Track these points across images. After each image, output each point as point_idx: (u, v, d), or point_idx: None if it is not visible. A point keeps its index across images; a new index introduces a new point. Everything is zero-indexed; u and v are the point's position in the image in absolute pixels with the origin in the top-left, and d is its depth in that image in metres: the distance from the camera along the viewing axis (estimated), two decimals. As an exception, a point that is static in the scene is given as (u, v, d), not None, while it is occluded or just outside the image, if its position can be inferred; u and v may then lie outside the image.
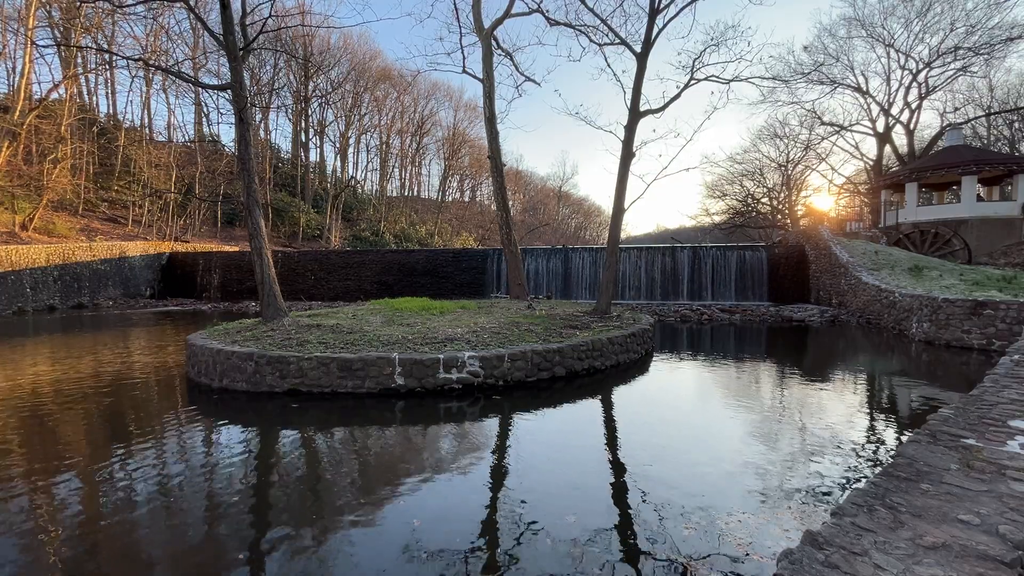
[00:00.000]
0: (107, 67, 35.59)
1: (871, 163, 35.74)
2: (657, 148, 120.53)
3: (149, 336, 14.37)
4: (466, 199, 71.22)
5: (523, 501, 4.27)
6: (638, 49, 12.61)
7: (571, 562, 3.35)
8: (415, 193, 65.56)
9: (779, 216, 43.78)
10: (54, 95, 28.10)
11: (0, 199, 23.33)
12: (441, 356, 7.68)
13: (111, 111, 38.02)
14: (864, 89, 33.98)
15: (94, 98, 37.27)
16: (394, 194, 60.15)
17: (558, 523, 3.87)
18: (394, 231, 48.49)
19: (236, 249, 29.45)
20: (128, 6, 17.32)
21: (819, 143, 38.68)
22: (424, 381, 7.56)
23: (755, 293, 22.09)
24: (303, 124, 47.63)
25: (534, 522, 3.90)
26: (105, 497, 4.38)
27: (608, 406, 7.55)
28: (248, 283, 24.61)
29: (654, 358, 10.85)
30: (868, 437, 5.90)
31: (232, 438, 6.01)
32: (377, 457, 5.43)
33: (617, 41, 13.54)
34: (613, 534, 3.73)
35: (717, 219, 47.70)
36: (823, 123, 36.53)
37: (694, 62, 13.07)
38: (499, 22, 16.66)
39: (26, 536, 3.73)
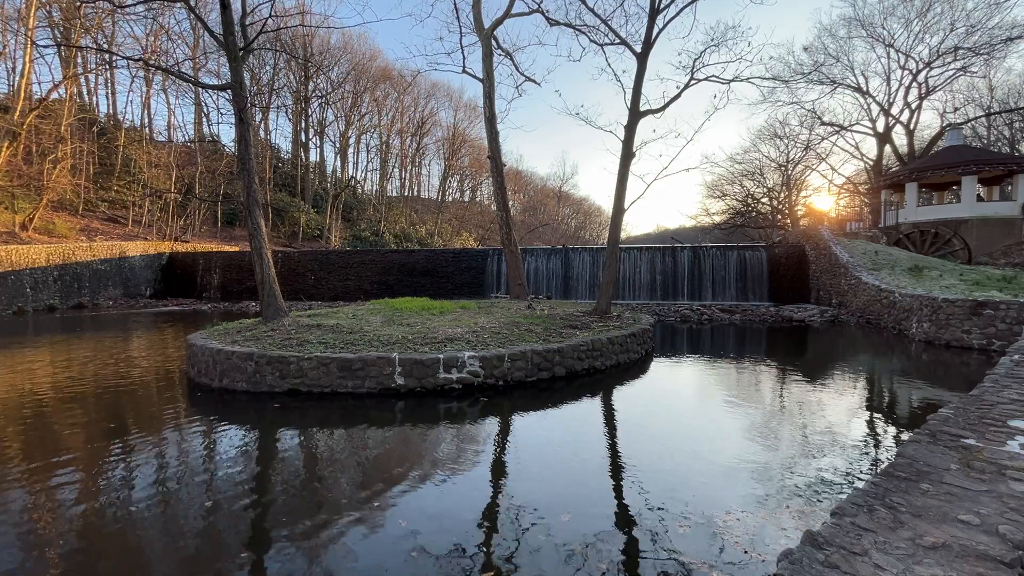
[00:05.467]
0: (107, 67, 35.60)
1: (871, 163, 35.74)
2: (657, 148, 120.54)
3: (149, 336, 14.37)
4: (466, 199, 71.19)
5: (523, 501, 4.27)
6: (638, 49, 12.61)
7: (570, 561, 3.35)
8: (415, 193, 65.57)
9: (779, 216, 43.77)
10: (54, 95, 28.10)
11: (0, 199, 23.33)
12: (441, 356, 7.68)
13: (111, 111, 38.07)
14: (864, 89, 34.00)
15: (94, 98, 37.34)
16: (394, 194, 60.14)
17: (557, 522, 3.87)
18: (394, 231, 48.49)
19: (236, 249, 29.45)
20: (128, 6, 17.32)
21: (819, 143, 38.70)
22: (424, 381, 7.56)
23: (755, 293, 22.09)
24: (303, 124, 47.64)
25: (533, 521, 3.89)
26: (105, 496, 4.38)
27: (608, 406, 7.55)
28: (248, 283, 24.61)
29: (654, 358, 10.85)
30: (868, 437, 5.90)
31: (232, 438, 6.01)
32: (377, 457, 5.43)
33: (617, 41, 13.54)
34: (612, 533, 3.73)
35: (717, 219, 47.68)
36: (823, 123, 36.53)
37: (694, 62, 13.08)
38: (499, 22, 16.66)
39: (26, 535, 3.73)
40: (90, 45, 28.49)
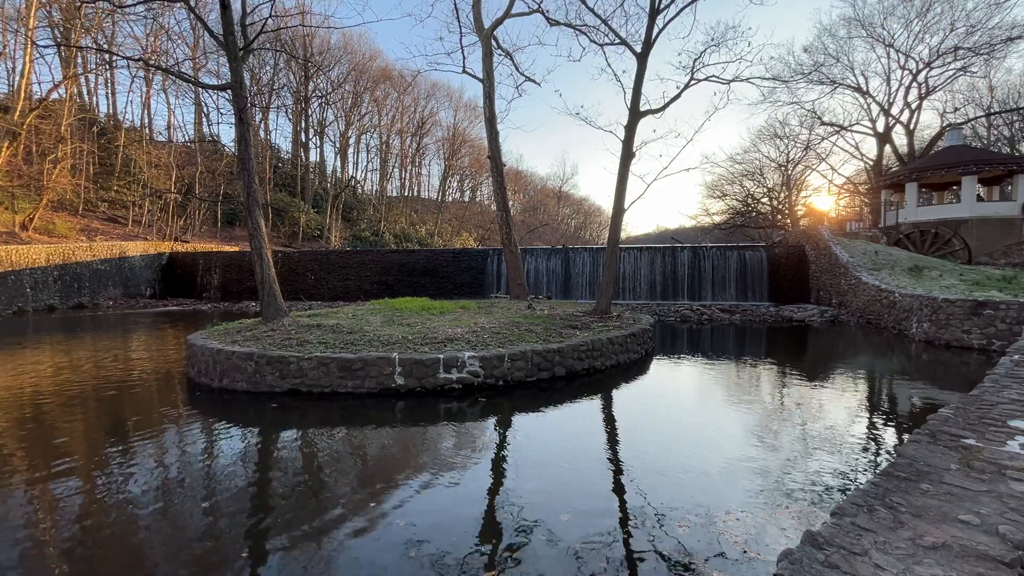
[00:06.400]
0: (107, 67, 35.60)
1: (871, 163, 35.74)
2: (657, 148, 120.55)
3: (149, 336, 14.37)
4: (466, 199, 71.19)
5: (522, 500, 4.27)
6: (638, 49, 12.61)
7: (570, 561, 3.35)
8: (415, 193, 65.58)
9: (779, 216, 43.77)
10: (54, 95, 28.09)
11: (0, 199, 23.33)
12: (441, 356, 7.68)
13: (111, 111, 38.07)
14: (864, 89, 34.01)
15: (94, 98, 37.33)
16: (394, 194, 60.14)
17: (557, 522, 3.87)
18: (394, 231, 48.49)
19: (236, 249, 29.45)
20: (128, 6, 17.33)
21: (819, 143, 38.72)
22: (424, 381, 7.56)
23: (755, 293, 22.09)
24: (303, 124, 47.64)
25: (533, 521, 3.89)
26: (104, 497, 4.38)
27: (608, 406, 7.55)
28: (248, 283, 24.61)
29: (654, 358, 10.85)
30: (868, 437, 5.90)
31: (232, 438, 6.01)
32: (377, 457, 5.43)
33: (617, 41, 13.54)
34: (612, 533, 3.73)
35: (717, 219, 47.70)
36: (823, 123, 36.54)
37: (694, 62, 13.08)
38: (499, 22, 16.66)
39: (25, 535, 3.73)
40: (90, 45, 28.49)
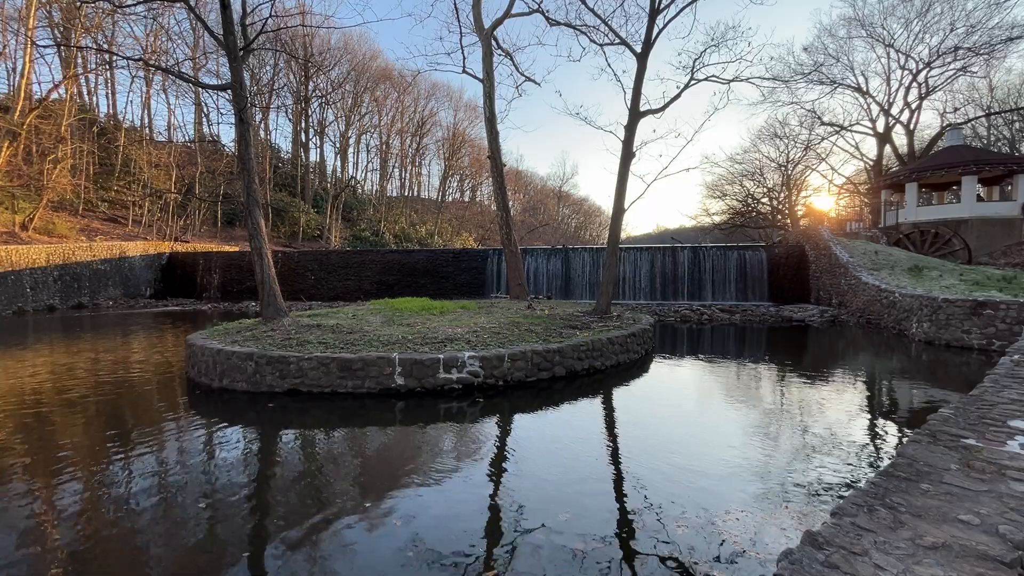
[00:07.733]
0: (107, 67, 35.59)
1: (871, 163, 35.74)
2: (657, 148, 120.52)
3: (149, 336, 14.37)
4: (466, 199, 71.18)
5: (522, 500, 4.27)
6: (638, 49, 12.61)
7: (569, 560, 3.35)
8: (415, 193, 65.54)
9: (779, 216, 43.76)
10: (54, 95, 28.12)
11: (0, 199, 23.33)
12: (441, 356, 7.68)
13: (111, 111, 38.05)
14: (864, 89, 34.00)
15: (94, 98, 37.32)
16: (394, 194, 60.12)
17: (556, 522, 3.87)
18: (394, 231, 48.47)
19: (236, 249, 29.45)
20: (128, 6, 17.34)
21: (819, 143, 38.70)
22: (424, 381, 7.55)
23: (755, 293, 22.09)
24: (303, 124, 47.63)
25: (532, 521, 3.89)
26: (105, 497, 4.38)
27: (608, 406, 7.55)
28: (248, 283, 24.61)
29: (654, 358, 10.85)
30: (868, 437, 5.90)
31: (232, 438, 6.01)
32: (377, 458, 5.43)
33: (617, 41, 13.54)
34: (612, 533, 3.73)
35: (717, 219, 47.67)
36: (823, 123, 36.53)
37: (694, 62, 13.08)
38: (499, 22, 16.67)
39: (25, 535, 3.73)
40: (90, 45, 28.47)
